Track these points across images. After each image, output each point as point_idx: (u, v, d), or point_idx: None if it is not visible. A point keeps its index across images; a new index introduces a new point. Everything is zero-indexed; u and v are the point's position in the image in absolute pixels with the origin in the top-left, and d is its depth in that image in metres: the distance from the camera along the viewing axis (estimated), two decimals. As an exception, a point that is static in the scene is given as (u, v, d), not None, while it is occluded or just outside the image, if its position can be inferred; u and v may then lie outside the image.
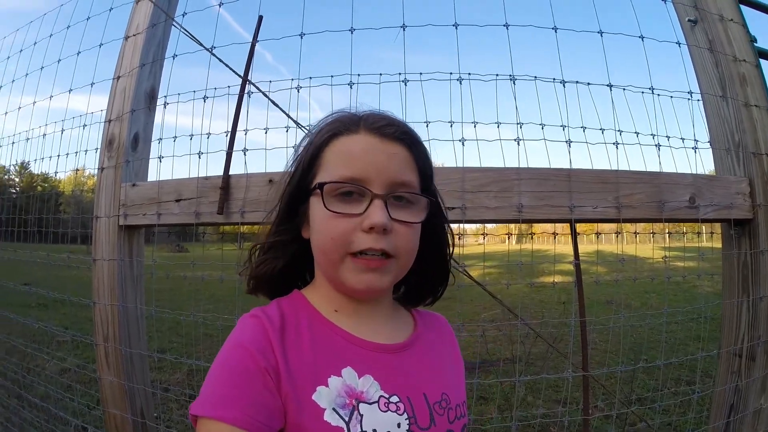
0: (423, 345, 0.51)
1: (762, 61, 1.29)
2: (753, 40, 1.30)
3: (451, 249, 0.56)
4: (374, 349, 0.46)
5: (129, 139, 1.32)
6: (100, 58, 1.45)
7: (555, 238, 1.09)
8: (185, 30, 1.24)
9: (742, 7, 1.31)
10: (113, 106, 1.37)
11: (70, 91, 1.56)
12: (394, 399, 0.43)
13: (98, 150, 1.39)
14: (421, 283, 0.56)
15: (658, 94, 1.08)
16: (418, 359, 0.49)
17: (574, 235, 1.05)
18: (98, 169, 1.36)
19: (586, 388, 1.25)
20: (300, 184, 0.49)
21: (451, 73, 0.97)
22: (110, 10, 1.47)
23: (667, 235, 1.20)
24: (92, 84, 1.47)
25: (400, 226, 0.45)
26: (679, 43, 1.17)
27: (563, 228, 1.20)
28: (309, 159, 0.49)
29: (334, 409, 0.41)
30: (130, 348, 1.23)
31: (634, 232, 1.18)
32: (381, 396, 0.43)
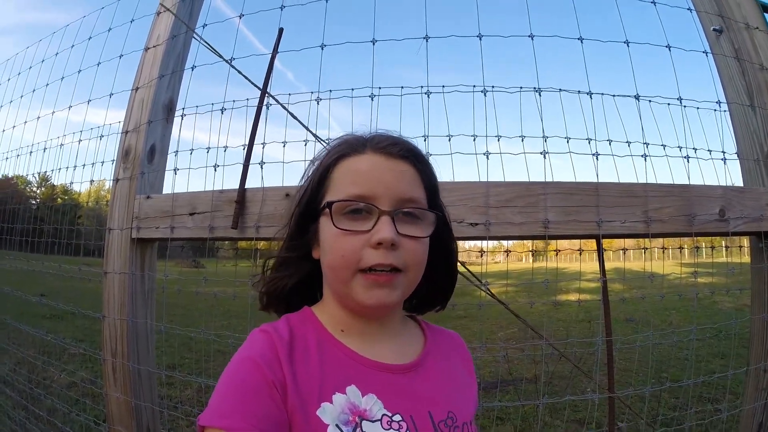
0: (431, 364, 0.51)
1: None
2: (778, 49, 1.25)
3: (456, 260, 0.56)
4: (379, 368, 0.47)
5: (145, 151, 1.29)
6: (119, 71, 1.44)
7: (581, 254, 1.03)
8: (205, 41, 1.22)
9: (766, 15, 1.27)
10: (131, 117, 1.35)
11: (89, 101, 1.55)
12: (397, 418, 0.43)
13: (114, 161, 1.37)
14: (431, 293, 0.56)
15: (685, 105, 1.02)
16: (425, 378, 0.49)
17: (600, 251, 0.99)
18: (113, 180, 1.33)
19: (612, 409, 1.16)
20: (309, 204, 0.50)
21: (474, 86, 0.93)
22: (131, 22, 1.47)
23: (695, 249, 1.13)
24: (111, 95, 1.45)
25: (408, 241, 0.45)
26: (706, 53, 1.12)
27: (582, 244, 1.14)
28: (317, 180, 0.49)
29: (337, 425, 0.41)
30: (138, 364, 1.18)
31: (662, 248, 1.11)
32: (384, 414, 0.43)
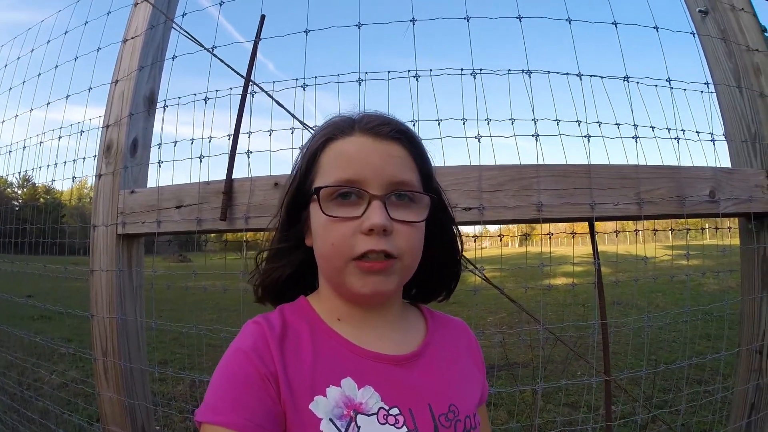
0: (432, 353, 0.49)
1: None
2: (764, 29, 1.25)
3: (460, 246, 0.54)
4: (377, 359, 0.45)
5: (128, 145, 1.25)
6: (97, 66, 1.39)
7: (574, 237, 1.02)
8: (185, 31, 1.17)
9: (751, -2, 1.26)
10: (111, 111, 1.30)
11: (68, 97, 1.49)
12: (394, 411, 0.42)
13: (96, 157, 1.32)
14: (432, 282, 0.54)
15: (673, 87, 1.02)
16: (426, 369, 0.47)
17: (593, 234, 0.98)
18: (96, 176, 1.29)
19: (608, 392, 1.17)
20: (298, 191, 0.48)
21: (462, 69, 0.90)
22: (108, 14, 1.41)
23: (686, 231, 1.13)
24: (90, 89, 1.40)
25: (401, 226, 0.43)
26: (693, 33, 1.11)
27: (575, 227, 1.13)
28: (306, 165, 0.47)
29: (330, 419, 0.39)
30: (129, 362, 1.15)
31: (654, 230, 1.11)
32: (381, 408, 0.42)
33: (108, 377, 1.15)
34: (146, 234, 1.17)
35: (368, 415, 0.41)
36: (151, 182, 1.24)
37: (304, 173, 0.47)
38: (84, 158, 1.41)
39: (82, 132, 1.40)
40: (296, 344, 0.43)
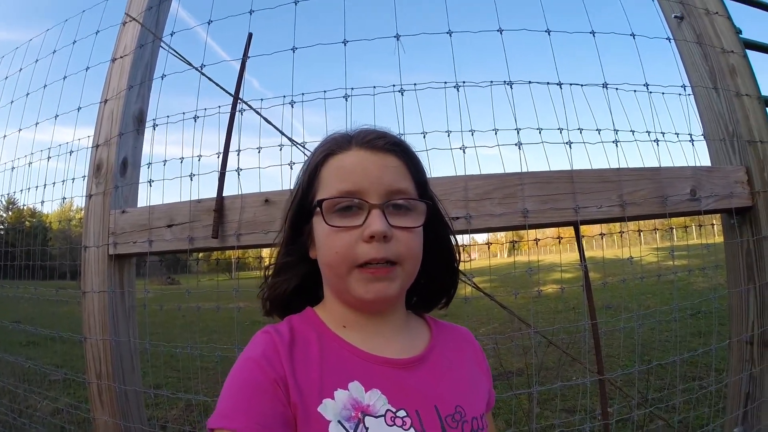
0: (438, 358, 0.51)
1: (748, 52, 1.30)
2: (738, 31, 1.31)
3: (458, 254, 0.56)
4: (383, 363, 0.46)
5: (117, 164, 1.27)
6: (85, 85, 1.41)
7: (560, 242, 1.06)
8: (173, 50, 1.20)
9: (725, 1, 1.33)
10: (101, 130, 1.32)
11: (57, 117, 1.51)
12: (401, 413, 0.43)
13: (86, 177, 1.34)
14: (432, 289, 0.56)
15: (651, 92, 1.07)
16: (431, 372, 0.49)
17: (579, 237, 1.02)
18: (86, 196, 1.30)
19: (603, 391, 1.20)
20: (301, 205, 0.51)
21: (445, 82, 0.95)
22: (96, 33, 1.44)
23: (671, 230, 1.17)
24: (79, 108, 1.42)
25: (401, 232, 0.46)
26: (669, 39, 1.17)
27: (560, 232, 1.17)
28: (307, 180, 0.50)
29: (339, 421, 0.41)
30: (124, 385, 1.16)
31: (638, 231, 1.15)
32: (388, 410, 0.43)
33: (103, 401, 1.15)
34: (138, 254, 1.19)
35: (376, 417, 0.42)
36: (141, 202, 1.26)
37: (306, 188, 0.50)
38: (73, 179, 1.42)
39: (71, 152, 1.41)
40: (304, 350, 0.45)
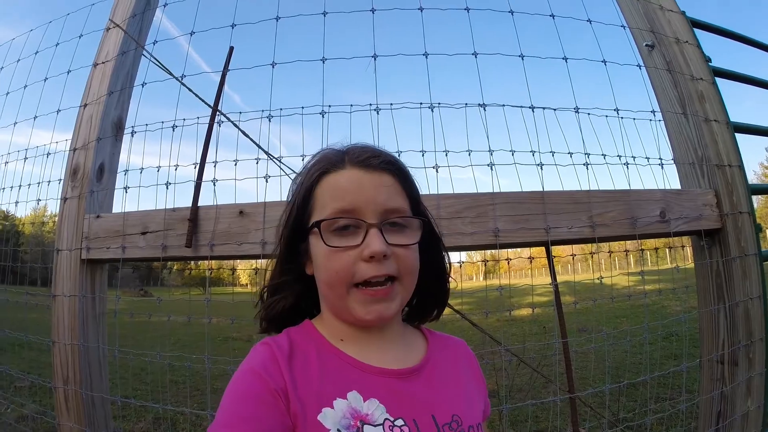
0: (434, 368, 0.52)
1: (717, 80, 1.37)
2: (708, 59, 1.39)
3: (448, 265, 0.58)
4: (380, 373, 0.48)
5: (94, 169, 1.28)
6: (64, 89, 1.42)
7: (531, 262, 1.10)
8: (155, 59, 1.23)
9: (696, 29, 1.40)
10: (79, 134, 1.34)
11: (35, 118, 1.51)
12: (399, 422, 0.44)
13: (61, 180, 1.35)
14: (424, 301, 0.58)
15: (622, 117, 1.12)
16: (428, 382, 0.50)
17: (550, 257, 1.06)
18: (61, 199, 1.31)
19: (574, 409, 1.23)
20: (296, 224, 0.52)
21: (421, 103, 0.99)
22: (80, 37, 1.45)
23: (641, 252, 1.22)
24: (58, 111, 1.43)
25: (399, 250, 0.48)
26: (639, 66, 1.23)
27: (533, 253, 1.21)
28: (302, 200, 0.52)
29: (338, 430, 0.42)
30: (91, 391, 1.16)
31: (609, 252, 1.20)
32: (386, 419, 0.44)
33: (69, 406, 1.15)
34: (111, 260, 1.20)
35: (374, 426, 0.43)
36: (116, 208, 1.27)
37: (301, 207, 0.51)
38: (49, 182, 1.43)
39: (48, 154, 1.42)
40: (303, 361, 0.47)
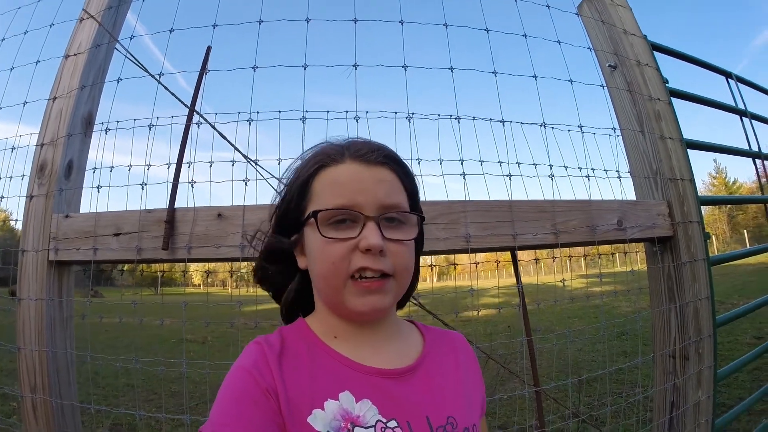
0: (430, 367, 0.52)
1: (673, 99, 1.52)
2: (665, 81, 1.53)
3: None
4: (374, 373, 0.48)
5: (63, 166, 1.26)
6: (29, 80, 1.38)
7: (498, 266, 1.19)
8: (132, 55, 1.22)
9: (656, 53, 1.54)
10: (47, 129, 1.31)
11: (-1, 109, 1.46)
12: (392, 424, 0.45)
13: (24, 177, 1.31)
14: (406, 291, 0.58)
15: (584, 132, 1.23)
16: (423, 382, 0.50)
17: (515, 261, 1.16)
18: (27, 197, 1.28)
19: (539, 402, 1.35)
20: (291, 215, 0.52)
21: (396, 112, 1.05)
22: (51, 26, 1.41)
23: (598, 256, 1.34)
24: (25, 103, 1.38)
25: (395, 245, 0.48)
26: (603, 86, 1.35)
27: (499, 257, 1.30)
28: (298, 191, 0.52)
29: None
30: (60, 399, 1.15)
31: (569, 256, 1.32)
32: (378, 420, 0.44)
33: (37, 416, 1.13)
34: (80, 261, 1.19)
35: (366, 428, 0.43)
36: (83, 208, 1.26)
37: (297, 199, 0.51)
38: (11, 177, 1.38)
39: (14, 148, 1.38)
40: (295, 361, 0.47)
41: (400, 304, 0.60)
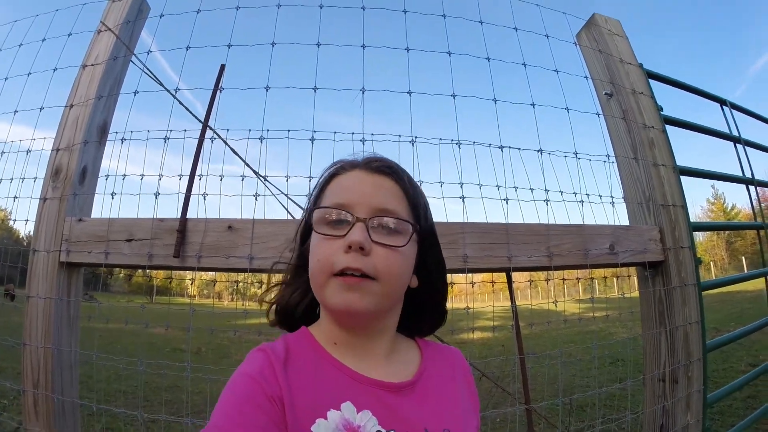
0: (427, 381, 0.54)
1: (667, 126, 1.60)
2: (660, 109, 1.61)
3: (444, 286, 0.60)
4: (375, 385, 0.49)
5: (78, 172, 1.33)
6: (43, 86, 1.45)
7: (493, 286, 1.26)
8: (148, 69, 1.30)
9: (651, 80, 1.63)
10: (63, 135, 1.38)
11: (15, 112, 1.53)
12: None
13: (36, 179, 1.38)
14: (417, 315, 0.59)
15: (579, 158, 1.31)
16: (421, 396, 0.52)
17: (510, 282, 1.23)
18: (40, 199, 1.34)
19: (530, 420, 1.40)
20: (307, 220, 0.57)
21: (400, 136, 1.13)
22: (69, 35, 1.49)
23: (591, 280, 1.41)
24: (41, 108, 1.46)
25: (380, 249, 0.49)
26: (598, 114, 1.43)
27: (495, 277, 1.36)
28: (314, 198, 0.57)
29: None
30: (62, 396, 1.20)
31: (563, 279, 1.38)
32: (378, 431, 0.46)
33: (38, 411, 1.18)
34: (92, 264, 1.25)
35: None
36: (95, 214, 1.32)
37: (312, 205, 0.56)
38: (23, 179, 1.45)
39: (29, 151, 1.45)
40: (299, 368, 0.48)
41: (425, 328, 0.60)
